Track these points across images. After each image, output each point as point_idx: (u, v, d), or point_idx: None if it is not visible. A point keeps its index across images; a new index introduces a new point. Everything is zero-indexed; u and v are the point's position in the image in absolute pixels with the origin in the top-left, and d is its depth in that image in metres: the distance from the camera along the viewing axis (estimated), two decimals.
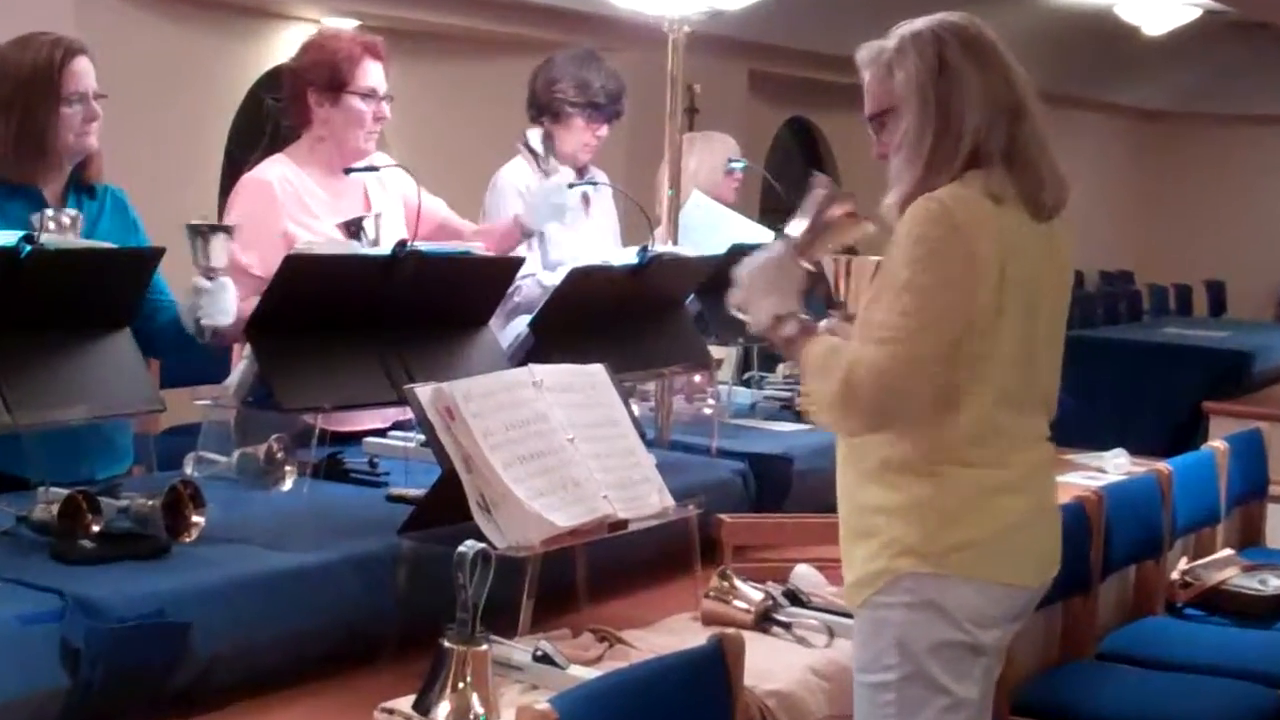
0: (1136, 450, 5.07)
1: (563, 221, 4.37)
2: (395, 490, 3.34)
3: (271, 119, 8.34)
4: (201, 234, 3.24)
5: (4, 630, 2.39)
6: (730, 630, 2.81)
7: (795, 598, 3.25)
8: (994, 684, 2.80)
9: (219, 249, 3.25)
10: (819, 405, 2.73)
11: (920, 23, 2.73)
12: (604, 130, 4.67)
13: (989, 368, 2.67)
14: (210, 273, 3.24)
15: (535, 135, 4.64)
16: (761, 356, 4.77)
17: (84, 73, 3.53)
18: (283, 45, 8.16)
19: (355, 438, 3.75)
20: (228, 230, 3.28)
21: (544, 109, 4.65)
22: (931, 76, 2.68)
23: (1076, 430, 5.10)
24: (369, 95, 3.99)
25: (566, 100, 4.60)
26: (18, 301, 2.72)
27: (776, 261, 2.83)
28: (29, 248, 2.68)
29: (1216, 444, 5.20)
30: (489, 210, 4.57)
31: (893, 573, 2.65)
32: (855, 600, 2.73)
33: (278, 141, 8.16)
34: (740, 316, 2.86)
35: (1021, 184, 2.69)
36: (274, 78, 8.16)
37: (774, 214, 9.98)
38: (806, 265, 2.84)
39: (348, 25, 7.49)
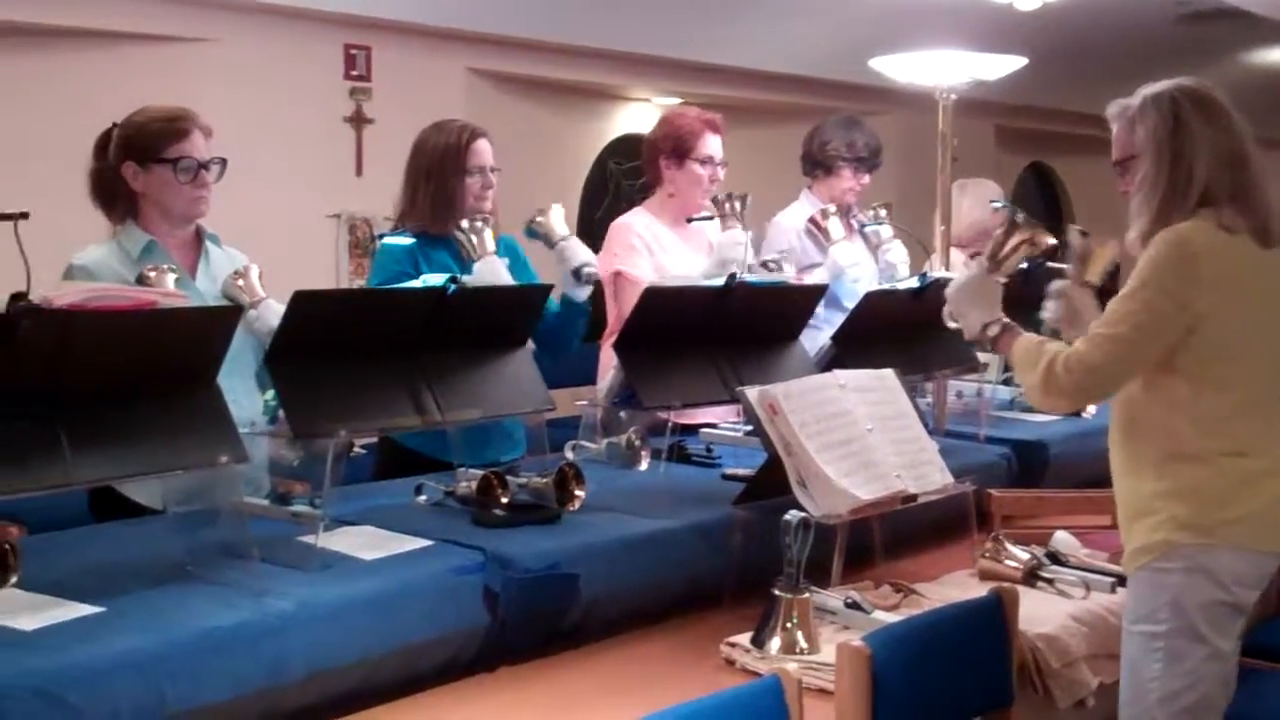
0: None
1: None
2: (728, 470, 3.38)
3: (614, 180, 8.52)
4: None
5: (442, 579, 2.48)
6: (1006, 584, 2.79)
7: (1055, 558, 3.19)
8: (1242, 636, 2.70)
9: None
10: (1027, 390, 2.78)
11: (1160, 85, 2.68)
12: (866, 179, 4.65)
13: (1240, 371, 2.61)
14: None
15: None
16: None
17: (483, 151, 3.65)
18: (623, 120, 8.31)
19: (693, 429, 3.80)
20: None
21: (817, 164, 4.64)
22: (1168, 131, 2.62)
23: None
24: (707, 161, 4.06)
25: (838, 156, 4.59)
26: (445, 327, 2.82)
27: (977, 281, 2.95)
28: (454, 287, 2.78)
29: None
30: (769, 243, 4.53)
31: (1171, 544, 2.59)
32: (1134, 565, 2.66)
33: (618, 198, 8.35)
34: (953, 325, 3.00)
35: (1249, 218, 2.61)
36: (617, 146, 8.34)
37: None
38: (1000, 279, 2.97)
39: (673, 103, 7.61)
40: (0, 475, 2.07)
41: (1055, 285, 2.98)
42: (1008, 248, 2.98)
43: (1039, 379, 2.67)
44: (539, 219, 3.46)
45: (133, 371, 2.26)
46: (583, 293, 3.49)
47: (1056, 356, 2.65)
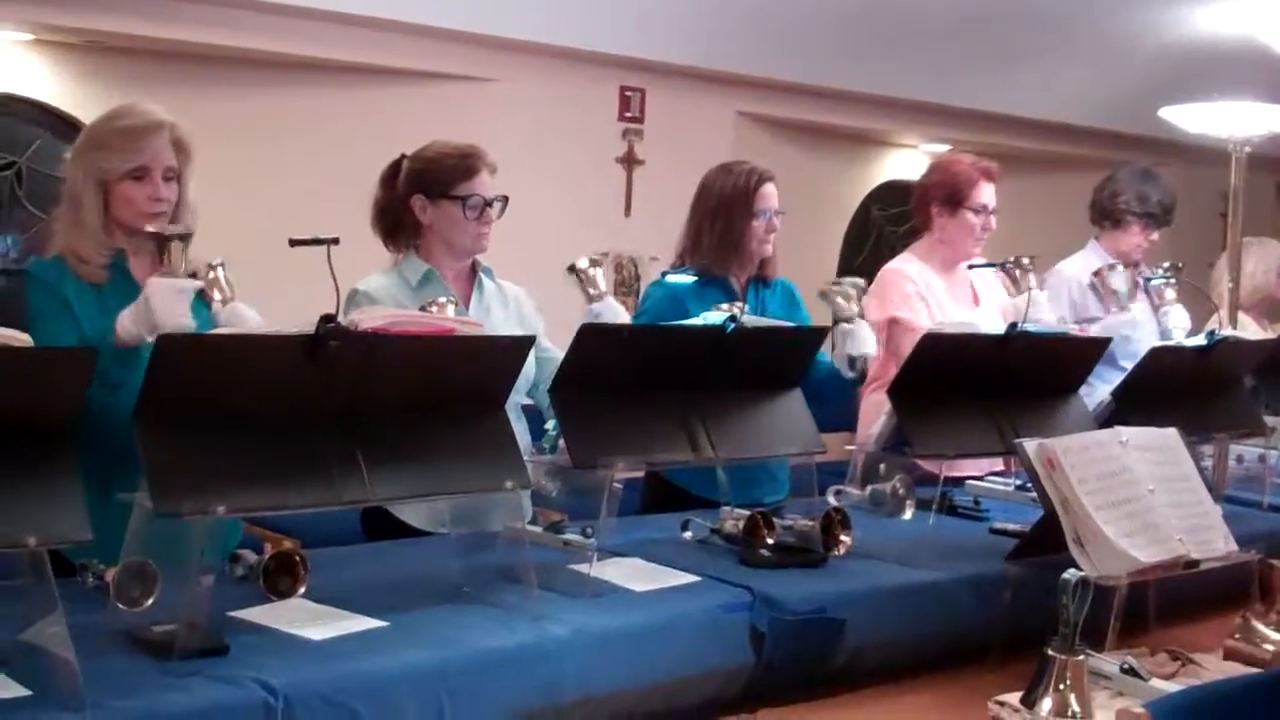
0: None
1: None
2: (997, 524, 3.30)
3: (876, 226, 8.45)
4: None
5: (710, 615, 2.49)
6: None
7: None
8: None
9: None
10: None
11: None
12: (1155, 236, 4.50)
13: None
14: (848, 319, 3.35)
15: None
16: None
17: (770, 195, 3.67)
18: (889, 166, 8.25)
19: (958, 481, 3.72)
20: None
21: (1107, 215, 4.51)
22: None
23: None
24: (980, 210, 3.98)
25: (1129, 210, 4.46)
26: (721, 366, 2.82)
27: None
28: (733, 325, 2.80)
29: None
30: (1051, 291, 4.41)
31: None
32: None
33: (880, 244, 8.27)
34: None
35: None
36: (881, 192, 8.28)
37: None
38: None
39: (941, 149, 7.52)
40: (305, 489, 2.16)
41: None
42: None
43: None
44: (831, 288, 3.40)
45: (428, 395, 2.33)
46: (852, 375, 3.41)
47: None
